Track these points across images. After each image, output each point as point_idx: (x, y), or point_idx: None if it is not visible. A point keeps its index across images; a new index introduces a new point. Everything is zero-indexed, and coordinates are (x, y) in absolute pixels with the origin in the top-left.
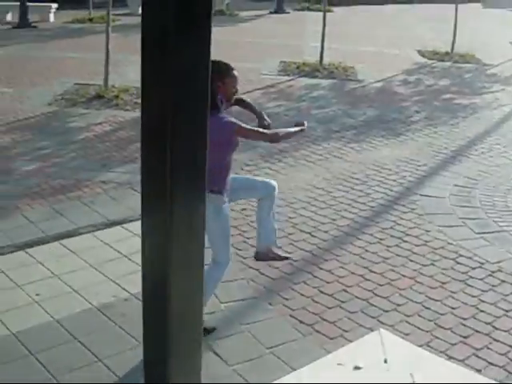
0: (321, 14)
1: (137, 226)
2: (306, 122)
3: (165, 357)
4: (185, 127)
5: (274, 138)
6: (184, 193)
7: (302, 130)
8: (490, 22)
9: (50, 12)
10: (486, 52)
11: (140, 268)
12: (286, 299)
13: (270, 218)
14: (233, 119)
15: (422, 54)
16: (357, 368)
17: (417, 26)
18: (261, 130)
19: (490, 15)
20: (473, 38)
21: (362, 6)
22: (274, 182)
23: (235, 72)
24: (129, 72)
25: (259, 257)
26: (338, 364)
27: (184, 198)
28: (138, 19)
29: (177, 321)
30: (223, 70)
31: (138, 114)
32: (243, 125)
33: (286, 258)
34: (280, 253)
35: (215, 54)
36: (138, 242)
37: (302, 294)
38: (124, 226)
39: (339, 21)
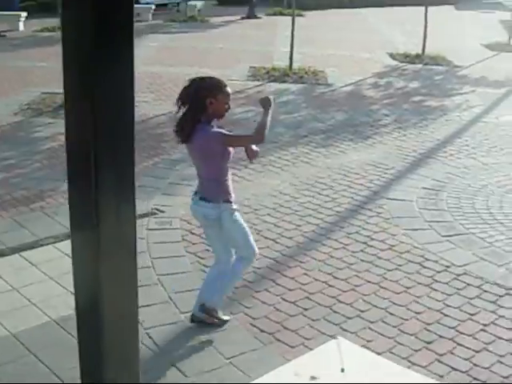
0: None
1: None
2: (270, 97)
3: (101, 369)
4: (109, 148)
5: (260, 137)
6: (113, 209)
7: (269, 106)
8: (461, 24)
9: (19, 21)
10: (457, 54)
11: None
12: (248, 308)
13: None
14: (220, 130)
15: (393, 56)
16: (313, 378)
17: (388, 29)
18: (245, 134)
19: (462, 17)
20: (444, 39)
21: (336, 10)
22: (256, 250)
23: (228, 89)
24: None
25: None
26: (295, 374)
27: (112, 213)
28: None
29: (111, 330)
30: (216, 87)
31: None
32: (230, 134)
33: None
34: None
35: (186, 61)
36: None
37: (264, 302)
38: None
39: (311, 25)
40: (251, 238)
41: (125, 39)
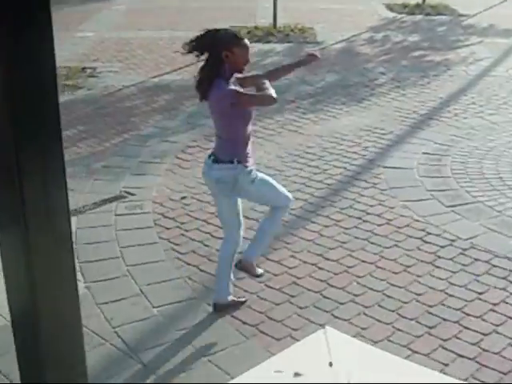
0: None
1: None
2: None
3: (41, 376)
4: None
5: (274, 99)
6: (41, 203)
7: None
8: None
9: None
10: (462, 0)
11: None
12: None
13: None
14: (233, 87)
15: (389, 7)
16: (297, 375)
17: None
18: (259, 94)
19: None
20: None
21: None
22: (289, 195)
23: (245, 41)
24: None
25: (243, 267)
26: (276, 371)
27: (41, 208)
28: None
29: (50, 334)
30: (231, 39)
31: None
32: (243, 92)
33: (258, 276)
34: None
35: (157, 23)
36: None
37: (246, 291)
38: None
39: None
40: (279, 187)
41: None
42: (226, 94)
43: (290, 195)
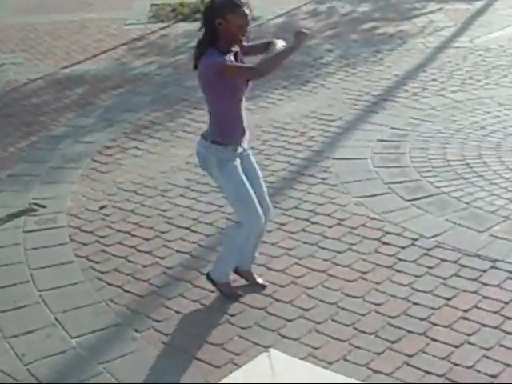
0: None
1: None
2: (307, 32)
3: None
4: None
5: (263, 71)
6: None
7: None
8: None
9: None
10: None
11: None
12: (158, 321)
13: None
14: (218, 58)
15: None
16: None
17: None
18: (244, 65)
19: None
20: None
21: None
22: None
23: (242, 9)
24: None
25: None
26: None
27: None
28: None
29: None
30: (226, 5)
31: None
32: (228, 63)
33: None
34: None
35: (68, 6)
36: None
37: (178, 312)
38: None
39: None
40: (250, 199)
41: None
42: (210, 65)
43: (257, 217)
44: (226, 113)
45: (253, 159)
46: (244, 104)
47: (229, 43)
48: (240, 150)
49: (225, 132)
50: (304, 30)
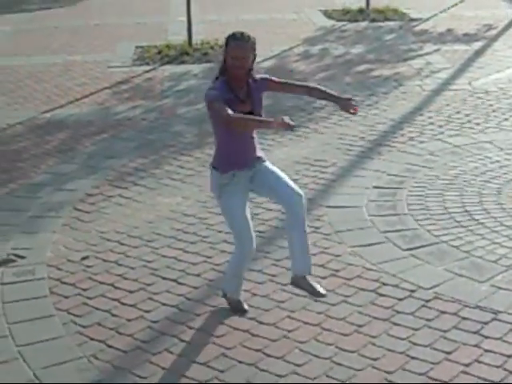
0: None
1: None
2: (287, 119)
3: None
4: None
5: (231, 120)
6: None
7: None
8: None
9: None
10: (413, 2)
11: None
12: (143, 377)
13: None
14: (213, 91)
15: (328, 15)
16: None
17: None
18: (222, 108)
19: None
20: None
21: None
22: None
23: (235, 42)
24: None
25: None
26: None
27: None
28: None
29: None
30: (227, 38)
31: None
32: (214, 99)
33: (322, 296)
34: (315, 285)
35: (50, 47)
36: None
37: (164, 368)
38: None
39: None
40: (242, 229)
41: None
42: (205, 95)
43: (249, 247)
44: (223, 142)
45: (269, 166)
46: (254, 135)
47: (230, 76)
48: (243, 173)
49: (222, 160)
50: (290, 122)
